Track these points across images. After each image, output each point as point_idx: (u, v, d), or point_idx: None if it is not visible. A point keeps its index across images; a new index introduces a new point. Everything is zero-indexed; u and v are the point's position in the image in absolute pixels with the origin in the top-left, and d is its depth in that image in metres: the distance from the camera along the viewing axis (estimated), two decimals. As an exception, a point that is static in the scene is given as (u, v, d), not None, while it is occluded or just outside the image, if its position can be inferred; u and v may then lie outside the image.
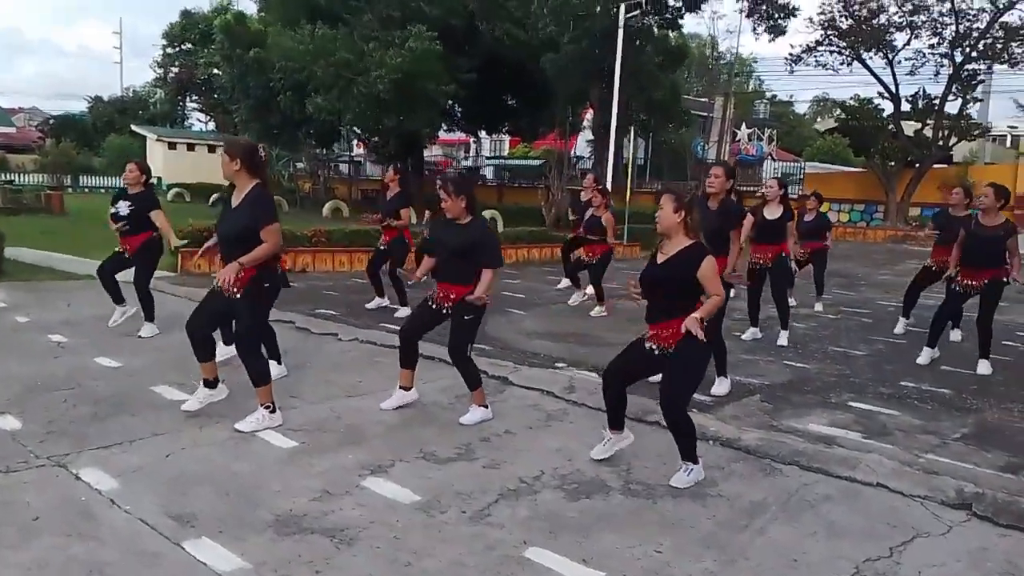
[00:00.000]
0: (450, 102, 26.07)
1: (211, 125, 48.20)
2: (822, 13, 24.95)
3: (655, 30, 23.44)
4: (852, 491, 4.02)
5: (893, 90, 25.39)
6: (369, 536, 3.29)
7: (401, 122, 23.17)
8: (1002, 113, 41.49)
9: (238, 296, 4.43)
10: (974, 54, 23.43)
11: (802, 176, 31.08)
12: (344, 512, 3.51)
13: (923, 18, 23.54)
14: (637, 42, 23.01)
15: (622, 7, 19.68)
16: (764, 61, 66.43)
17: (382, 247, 8.57)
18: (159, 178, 35.64)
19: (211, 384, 4.77)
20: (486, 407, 4.89)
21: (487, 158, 52.62)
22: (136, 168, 6.86)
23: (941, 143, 24.93)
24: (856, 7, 24.18)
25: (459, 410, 5.03)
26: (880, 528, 3.60)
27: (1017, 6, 22.35)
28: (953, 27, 23.18)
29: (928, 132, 25.02)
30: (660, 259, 3.99)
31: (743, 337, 7.71)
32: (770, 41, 26.00)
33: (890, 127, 25.60)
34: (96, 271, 7.01)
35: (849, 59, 25.89)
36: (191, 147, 37.53)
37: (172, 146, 37.20)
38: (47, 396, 5.01)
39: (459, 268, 4.74)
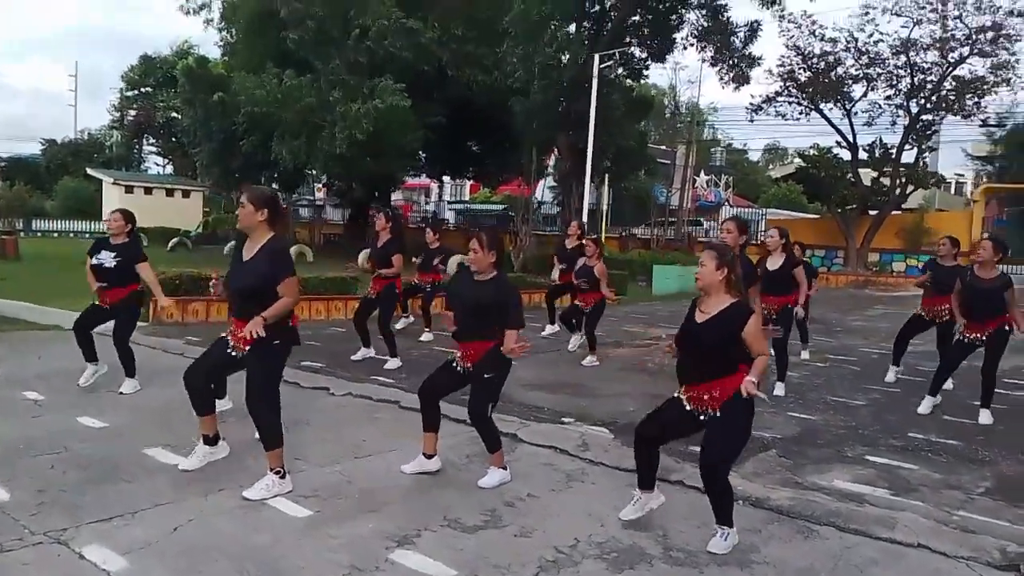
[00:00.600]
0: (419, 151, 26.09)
1: (169, 168, 47.56)
2: (781, 65, 25.68)
3: (620, 80, 23.82)
4: (895, 553, 3.89)
5: (851, 139, 26.11)
6: (411, 618, 3.05)
7: (369, 170, 23.08)
8: (949, 162, 42.90)
9: (247, 351, 4.20)
10: (928, 105, 24.25)
11: (764, 223, 31.62)
12: (380, 591, 3.26)
13: (879, 70, 24.34)
14: (605, 91, 23.39)
15: (596, 57, 19.96)
16: (723, 110, 68.32)
17: (371, 296, 8.35)
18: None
19: (211, 441, 4.50)
20: (505, 468, 4.68)
21: (448, 203, 52.76)
22: (121, 216, 6.56)
23: (898, 191, 25.62)
24: (814, 60, 24.92)
25: (474, 471, 4.82)
26: (936, 595, 3.47)
27: (968, 61, 23.26)
28: (908, 79, 23.99)
29: (885, 180, 25.71)
30: (700, 317, 3.85)
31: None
32: (735, 90, 26.72)
33: (848, 175, 26.26)
34: (73, 326, 6.64)
35: (807, 109, 26.58)
36: (148, 191, 36.76)
37: (129, 190, 36.36)
38: (32, 461, 4.67)
39: (480, 325, 4.56)
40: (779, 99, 26.58)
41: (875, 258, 26.97)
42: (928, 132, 25.27)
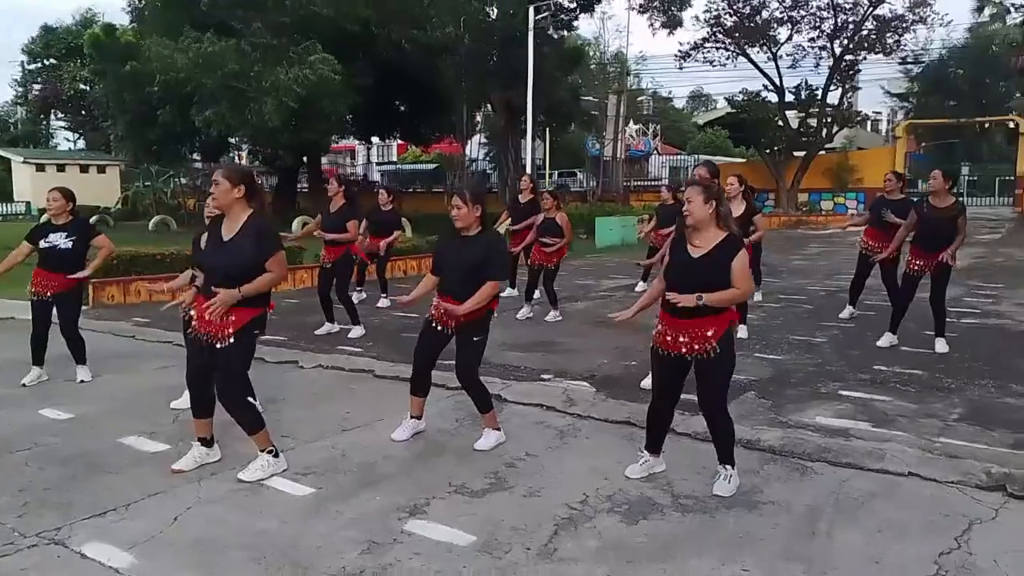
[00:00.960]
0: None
1: (81, 143, 45.34)
2: (707, 11, 25.84)
3: (553, 33, 23.60)
4: (890, 483, 4.02)
5: (777, 83, 26.56)
6: (442, 588, 3.01)
7: (298, 139, 22.40)
8: (866, 101, 44.00)
9: (231, 342, 4.01)
10: (851, 46, 24.80)
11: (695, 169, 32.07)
12: (404, 563, 3.21)
13: (803, 13, 24.74)
14: (537, 43, 23.15)
15: (531, 9, 19.67)
16: (651, 59, 68.62)
17: (327, 265, 8.12)
18: (27, 203, 33.32)
19: (208, 443, 4.33)
20: (499, 429, 4.65)
21: (376, 164, 51.85)
22: (60, 196, 6.11)
23: (825, 131, 26.26)
24: (740, 4, 25.12)
25: (466, 434, 4.79)
26: (937, 520, 3.60)
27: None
28: (832, 21, 24.44)
29: (812, 121, 26.31)
30: (696, 252, 3.81)
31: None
32: (669, 35, 26.61)
33: (776, 118, 26.75)
34: (31, 337, 6.16)
35: (734, 54, 26.89)
36: (61, 168, 35.04)
37: (40, 168, 34.65)
38: (4, 459, 4.43)
39: (466, 284, 4.45)
40: (706, 45, 26.79)
41: (804, 198, 27.68)
42: (851, 72, 25.88)
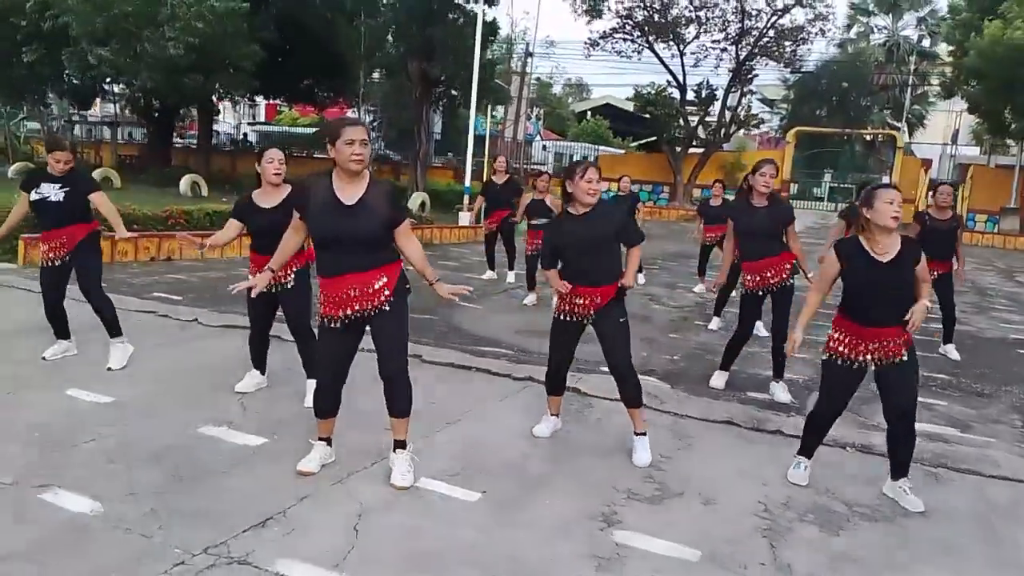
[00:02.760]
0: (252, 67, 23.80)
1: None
2: (620, 2, 26.17)
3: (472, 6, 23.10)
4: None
5: (681, 80, 27.38)
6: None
7: (203, 86, 20.73)
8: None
9: (387, 309, 3.58)
10: (755, 51, 25.93)
11: (596, 158, 32.63)
12: (655, 582, 2.97)
13: (710, 15, 25.58)
14: (456, 17, 22.62)
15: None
16: (561, 45, 69.33)
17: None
18: None
19: (329, 442, 3.85)
20: (644, 433, 4.31)
21: (248, 124, 49.30)
22: (67, 155, 5.25)
23: (724, 131, 27.37)
24: (652, 0, 25.62)
25: (580, 432, 4.57)
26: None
27: (791, 11, 25.01)
28: (738, 25, 25.43)
29: (711, 120, 27.36)
30: (883, 257, 3.71)
31: (711, 327, 7.95)
32: (588, 23, 26.59)
33: (679, 115, 27.58)
34: (45, 309, 5.29)
35: (640, 48, 27.45)
36: None
37: None
38: (77, 455, 3.76)
39: (602, 259, 4.14)
40: (616, 35, 27.16)
41: (698, 193, 28.76)
42: (750, 76, 27.07)
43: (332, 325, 3.60)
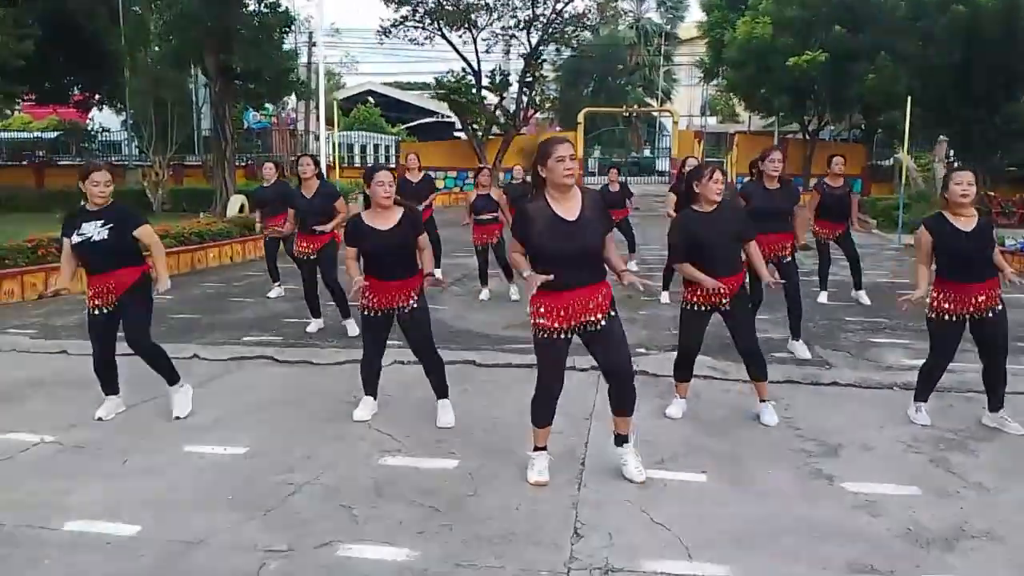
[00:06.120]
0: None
1: None
2: (409, -11, 26.23)
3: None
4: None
5: (475, 67, 28.06)
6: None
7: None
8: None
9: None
10: (545, 36, 27.26)
11: (389, 148, 32.47)
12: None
13: (500, 1, 26.45)
14: (248, 6, 21.43)
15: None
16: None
17: (311, 257, 7.10)
18: None
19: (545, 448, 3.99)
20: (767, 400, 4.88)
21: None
22: (108, 177, 4.71)
23: (522, 114, 28.48)
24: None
25: (692, 409, 4.99)
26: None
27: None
28: (528, 12, 26.58)
29: (508, 105, 28.36)
30: (966, 226, 4.48)
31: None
32: (396, 10, 25.96)
33: (478, 101, 28.25)
34: (94, 364, 4.80)
35: (432, 35, 27.74)
36: None
37: None
38: (292, 502, 3.55)
39: (732, 253, 4.66)
40: (407, 23, 27.20)
41: (503, 177, 29.71)
42: (540, 61, 28.37)
43: (557, 337, 3.72)
